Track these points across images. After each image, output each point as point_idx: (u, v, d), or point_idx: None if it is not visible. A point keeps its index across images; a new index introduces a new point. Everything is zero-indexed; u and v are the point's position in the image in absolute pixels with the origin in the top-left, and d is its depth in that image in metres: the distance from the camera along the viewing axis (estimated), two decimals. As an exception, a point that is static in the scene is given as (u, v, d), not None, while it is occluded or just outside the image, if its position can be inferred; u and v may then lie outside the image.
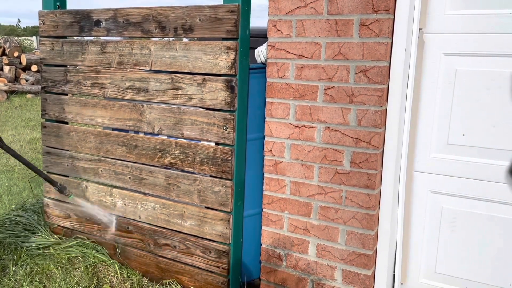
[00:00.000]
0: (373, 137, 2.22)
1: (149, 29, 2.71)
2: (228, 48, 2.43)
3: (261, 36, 2.83)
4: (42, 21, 3.18)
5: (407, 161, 2.33)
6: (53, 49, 3.15)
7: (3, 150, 2.64)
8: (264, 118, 2.50)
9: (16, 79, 11.85)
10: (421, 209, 2.39)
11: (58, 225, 3.33)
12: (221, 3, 2.48)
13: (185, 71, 2.61)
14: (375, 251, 2.37)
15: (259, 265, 2.67)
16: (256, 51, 2.69)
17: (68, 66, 3.14)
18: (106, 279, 2.86)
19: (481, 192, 2.23)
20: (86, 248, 3.10)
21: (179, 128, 2.66)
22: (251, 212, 2.68)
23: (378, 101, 2.18)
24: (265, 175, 2.53)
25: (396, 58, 2.18)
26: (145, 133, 2.85)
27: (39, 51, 3.89)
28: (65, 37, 3.12)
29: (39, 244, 3.20)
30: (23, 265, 2.96)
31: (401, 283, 2.47)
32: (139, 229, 2.93)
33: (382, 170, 2.30)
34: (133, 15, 2.77)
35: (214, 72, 2.50)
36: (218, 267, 2.64)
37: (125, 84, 2.85)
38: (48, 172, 3.30)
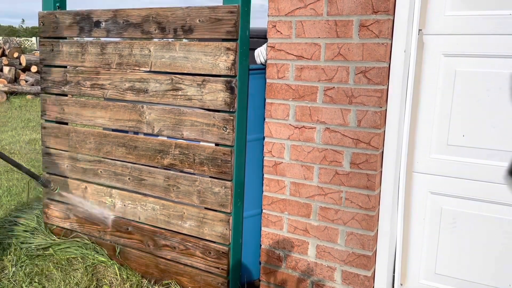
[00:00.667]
0: (373, 138, 2.22)
1: (149, 30, 2.71)
2: (228, 49, 2.43)
3: (261, 37, 2.83)
4: (42, 22, 3.18)
5: (407, 162, 2.33)
6: (52, 49, 3.15)
7: None
8: (264, 119, 2.50)
9: (16, 80, 11.84)
10: (421, 210, 2.39)
11: (58, 226, 3.33)
12: (221, 4, 2.48)
13: (185, 72, 2.61)
14: (375, 252, 2.37)
15: (259, 266, 2.67)
16: (256, 52, 2.69)
17: (67, 67, 3.14)
18: (105, 280, 2.86)
19: (481, 193, 2.23)
20: (86, 249, 3.10)
21: (179, 129, 2.66)
22: (250, 213, 2.68)
23: (377, 102, 2.18)
24: (265, 175, 2.53)
25: (396, 59, 2.18)
26: (145, 134, 2.85)
27: (38, 52, 3.90)
28: (65, 38, 3.12)
29: (39, 245, 3.19)
30: (23, 266, 2.96)
31: (401, 284, 2.47)
32: (138, 230, 2.93)
33: (381, 171, 2.30)
34: (133, 16, 2.77)
35: (213, 73, 2.50)
36: (218, 268, 2.64)
37: (124, 85, 2.85)
38: (48, 173, 3.30)
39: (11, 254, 3.08)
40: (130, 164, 2.91)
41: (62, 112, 3.18)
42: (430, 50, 2.25)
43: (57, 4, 3.17)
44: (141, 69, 2.78)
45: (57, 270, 2.92)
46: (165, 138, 2.76)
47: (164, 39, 2.71)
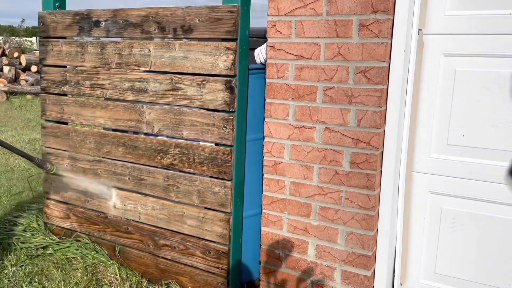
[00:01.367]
0: (373, 138, 2.22)
1: (149, 29, 2.71)
2: (228, 48, 2.43)
3: (261, 37, 2.83)
4: (41, 22, 3.18)
5: (407, 162, 2.33)
6: (52, 49, 3.15)
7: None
8: (264, 119, 2.50)
9: (16, 79, 11.85)
10: (421, 210, 2.38)
11: (58, 226, 3.33)
12: (221, 3, 2.48)
13: (185, 71, 2.60)
14: (375, 252, 2.37)
15: (259, 265, 2.67)
16: (256, 51, 2.69)
17: (67, 66, 3.14)
18: (105, 280, 2.86)
19: (481, 192, 2.23)
20: (86, 249, 3.10)
21: (179, 128, 2.66)
22: (250, 212, 2.68)
23: (377, 102, 2.18)
24: (265, 175, 2.53)
25: (396, 58, 2.18)
26: (145, 134, 2.85)
27: (38, 51, 3.90)
28: (65, 37, 3.12)
29: (39, 245, 3.19)
30: (22, 265, 2.96)
31: (401, 284, 2.47)
32: (138, 230, 2.93)
33: (381, 171, 2.30)
34: (132, 15, 2.77)
35: (213, 72, 2.50)
36: (218, 267, 2.64)
37: (124, 84, 2.85)
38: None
39: (11, 254, 3.08)
40: (130, 164, 2.91)
41: (62, 112, 3.18)
42: (430, 49, 2.25)
43: (57, 4, 3.17)
44: (140, 69, 2.78)
45: (57, 270, 2.92)
46: (165, 138, 2.76)
47: (164, 39, 2.71)
